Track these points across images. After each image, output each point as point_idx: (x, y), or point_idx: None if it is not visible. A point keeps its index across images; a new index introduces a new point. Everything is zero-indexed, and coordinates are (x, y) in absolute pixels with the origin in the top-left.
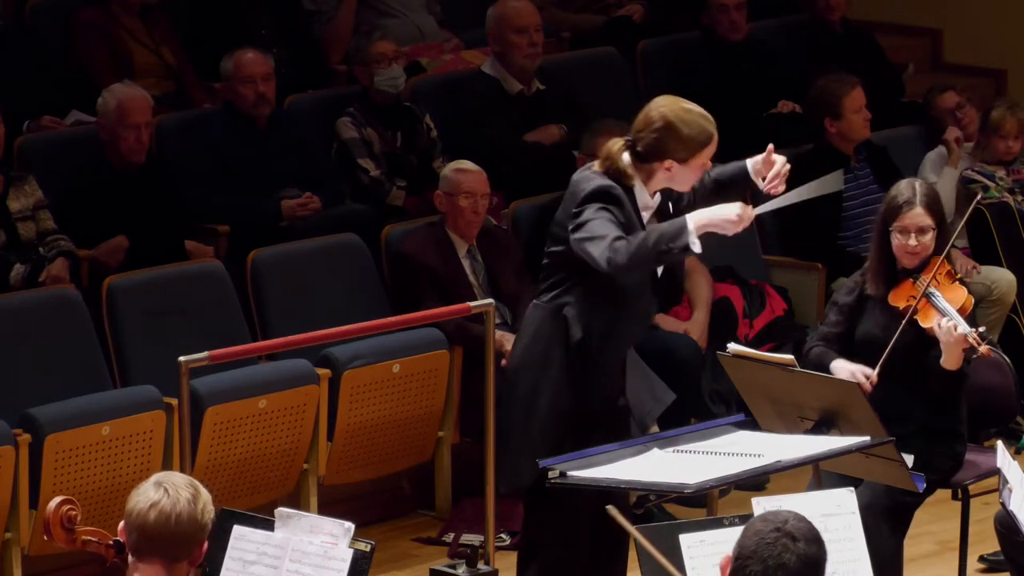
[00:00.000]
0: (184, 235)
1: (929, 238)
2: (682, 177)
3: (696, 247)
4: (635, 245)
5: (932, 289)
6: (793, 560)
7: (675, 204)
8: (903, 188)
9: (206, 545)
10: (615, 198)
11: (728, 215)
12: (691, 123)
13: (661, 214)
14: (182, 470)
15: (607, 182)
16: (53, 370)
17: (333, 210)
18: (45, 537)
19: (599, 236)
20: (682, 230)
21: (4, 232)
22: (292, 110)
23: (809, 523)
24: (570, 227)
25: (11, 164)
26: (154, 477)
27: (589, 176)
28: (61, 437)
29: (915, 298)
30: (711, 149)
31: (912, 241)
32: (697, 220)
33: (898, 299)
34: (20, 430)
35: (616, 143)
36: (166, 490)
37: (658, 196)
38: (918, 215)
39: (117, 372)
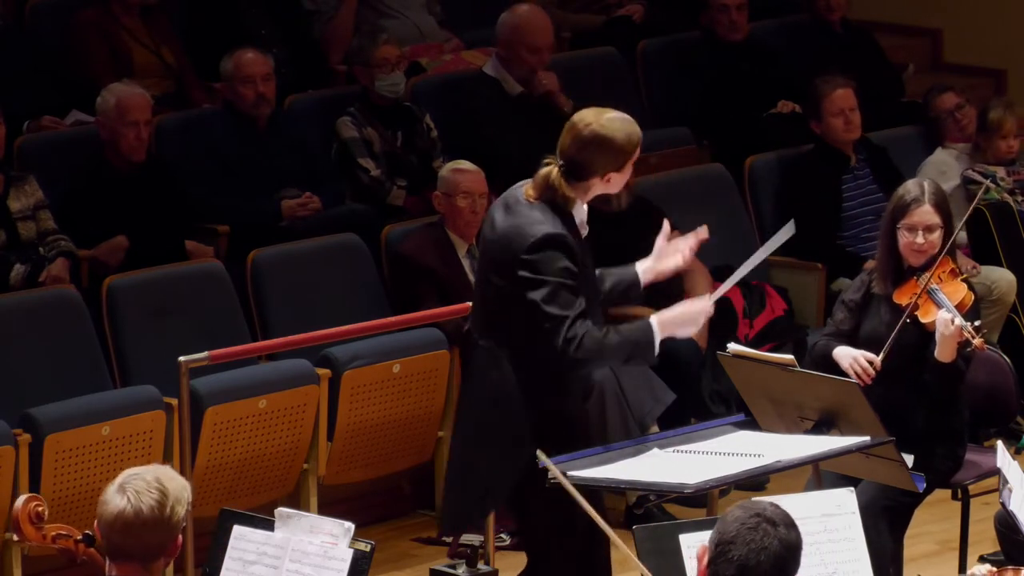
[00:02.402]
0: (184, 235)
1: (936, 236)
2: (618, 182)
3: (655, 359)
4: (607, 348)
5: (933, 285)
6: (775, 544)
7: None
8: (911, 187)
9: (181, 539)
10: (565, 245)
11: (693, 320)
12: (620, 131)
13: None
14: (182, 470)
15: (554, 229)
16: (53, 370)
17: (333, 210)
18: (15, 537)
19: (558, 316)
20: (650, 343)
21: (4, 232)
22: (292, 110)
23: (784, 510)
24: (520, 273)
25: (11, 164)
26: (120, 478)
27: (531, 215)
28: (61, 437)
29: (917, 294)
30: (639, 147)
31: (920, 239)
32: (662, 328)
33: (902, 296)
34: (20, 430)
35: (552, 172)
36: (129, 498)
37: (585, 207)
38: (926, 213)
39: (117, 372)
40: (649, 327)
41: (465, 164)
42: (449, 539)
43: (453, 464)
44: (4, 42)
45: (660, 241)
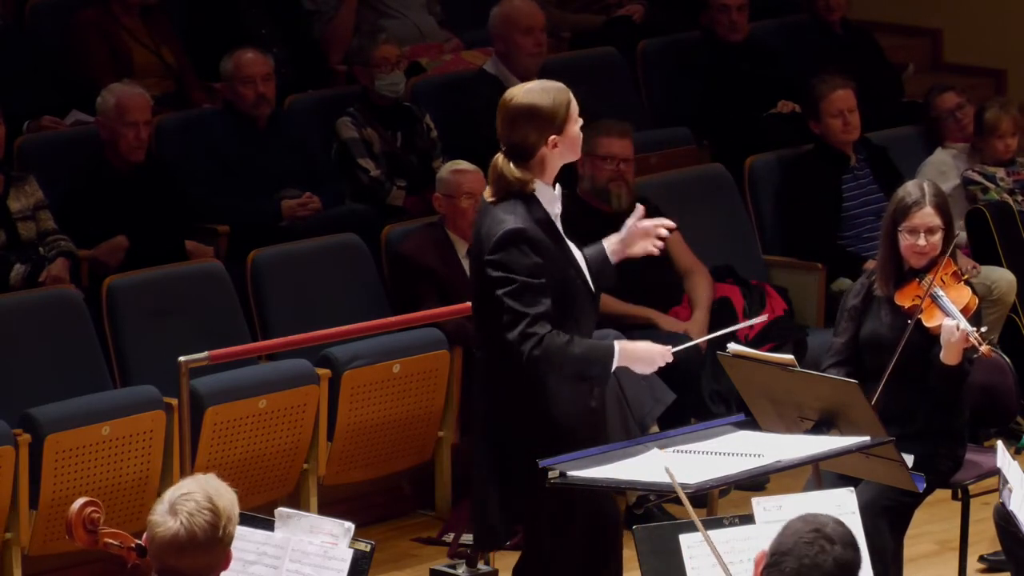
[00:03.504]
0: (184, 235)
1: (938, 238)
2: (570, 145)
3: (606, 382)
4: (567, 356)
5: (937, 289)
6: (829, 562)
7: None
8: (911, 188)
9: (232, 552)
10: (528, 239)
11: (651, 360)
12: (541, 96)
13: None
14: (182, 470)
15: (516, 224)
16: (53, 370)
17: (333, 210)
18: (67, 537)
19: (519, 312)
20: (606, 367)
21: (4, 232)
22: (292, 110)
23: (847, 528)
24: (490, 274)
25: (11, 164)
26: (169, 496)
27: (495, 215)
28: (61, 437)
29: (920, 298)
30: (575, 104)
31: (921, 241)
32: (621, 356)
33: (904, 299)
34: (20, 430)
35: (498, 160)
36: (182, 521)
37: (557, 187)
38: (927, 215)
39: (117, 372)
40: (611, 352)
41: (464, 164)
42: (449, 539)
43: (474, 482)
44: (4, 42)
45: (631, 221)
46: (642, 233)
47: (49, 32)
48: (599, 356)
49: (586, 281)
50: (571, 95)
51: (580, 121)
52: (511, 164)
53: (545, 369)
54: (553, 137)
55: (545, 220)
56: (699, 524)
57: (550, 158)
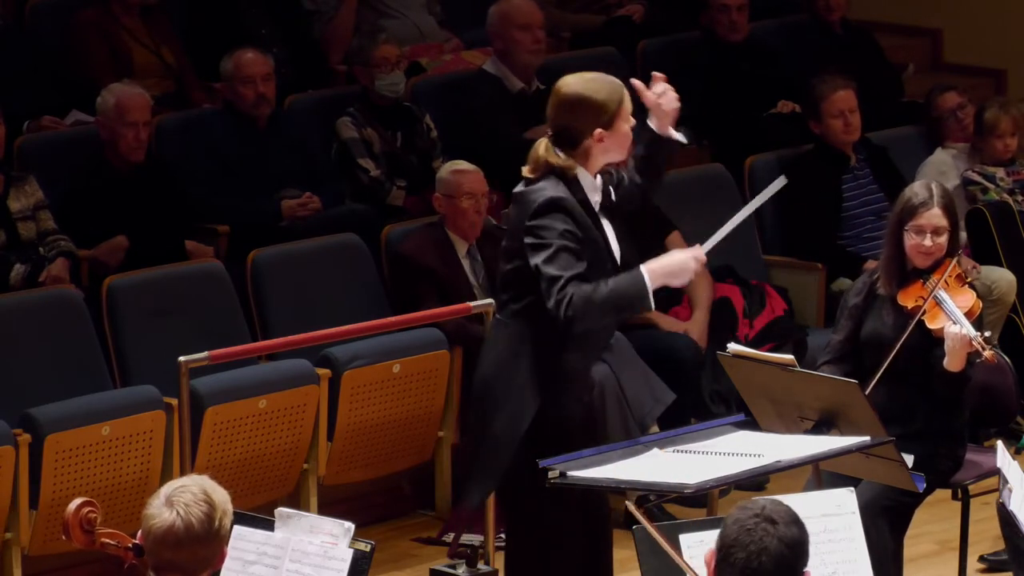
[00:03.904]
0: (184, 235)
1: (944, 239)
2: (616, 142)
3: (652, 306)
4: (595, 303)
5: (941, 292)
6: (775, 544)
7: (615, 189)
8: (918, 189)
9: (227, 548)
10: (565, 208)
11: (684, 267)
12: (599, 88)
13: (607, 209)
14: (182, 470)
15: (556, 193)
16: (53, 370)
17: (333, 210)
18: (63, 537)
19: (553, 276)
20: (642, 292)
21: (4, 232)
22: (292, 110)
23: (787, 506)
24: (526, 241)
25: (11, 164)
26: (165, 491)
27: (535, 187)
28: (61, 437)
29: (924, 299)
30: (628, 103)
31: (927, 241)
32: (653, 277)
33: (907, 299)
34: (20, 430)
35: (541, 144)
36: (178, 512)
37: (599, 179)
38: (935, 215)
39: (117, 372)
40: (640, 276)
41: (464, 164)
42: (449, 539)
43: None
44: (4, 42)
45: (649, 98)
46: (656, 104)
47: (49, 32)
48: (628, 286)
49: (617, 267)
50: (626, 93)
51: (632, 121)
52: (555, 150)
53: (586, 326)
54: (599, 131)
55: (584, 202)
56: (653, 530)
57: (595, 151)
